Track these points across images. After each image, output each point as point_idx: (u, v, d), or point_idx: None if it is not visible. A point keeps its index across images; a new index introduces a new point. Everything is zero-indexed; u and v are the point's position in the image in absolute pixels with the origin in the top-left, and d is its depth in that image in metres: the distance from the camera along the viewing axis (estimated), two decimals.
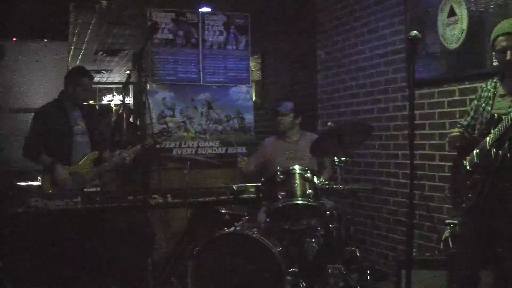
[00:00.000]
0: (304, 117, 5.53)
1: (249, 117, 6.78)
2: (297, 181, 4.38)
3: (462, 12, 4.50)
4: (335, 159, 4.51)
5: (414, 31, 3.08)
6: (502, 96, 3.46)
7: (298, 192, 4.35)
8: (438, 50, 4.75)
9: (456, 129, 3.62)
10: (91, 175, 4.79)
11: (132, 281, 4.59)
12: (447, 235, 4.26)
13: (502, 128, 3.23)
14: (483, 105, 3.52)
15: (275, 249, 4.12)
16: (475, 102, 3.67)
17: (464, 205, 3.52)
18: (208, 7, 6.89)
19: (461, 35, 4.51)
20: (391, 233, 5.44)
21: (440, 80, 4.76)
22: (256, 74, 8.40)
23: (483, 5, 4.33)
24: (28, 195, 4.10)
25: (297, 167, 4.46)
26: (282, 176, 4.41)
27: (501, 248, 3.47)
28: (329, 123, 4.94)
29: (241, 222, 4.43)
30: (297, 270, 4.12)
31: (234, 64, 6.72)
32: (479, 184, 3.39)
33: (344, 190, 4.55)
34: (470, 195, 3.45)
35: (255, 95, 8.08)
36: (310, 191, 4.36)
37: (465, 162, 3.53)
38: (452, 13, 4.61)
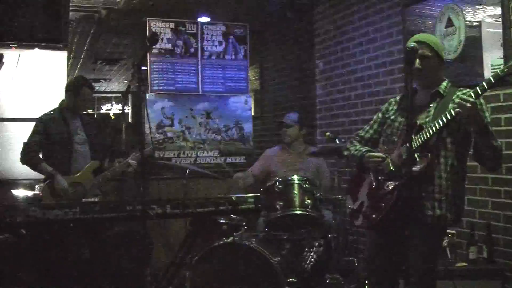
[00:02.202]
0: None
1: (248, 127, 6.78)
2: (295, 191, 4.38)
3: (460, 23, 4.52)
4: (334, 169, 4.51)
5: (412, 42, 3.09)
6: (416, 107, 3.40)
7: (297, 202, 4.35)
8: None
9: (377, 153, 3.46)
10: (92, 185, 4.79)
11: None
12: (445, 244, 4.26)
13: (425, 135, 3.16)
14: (393, 117, 3.46)
15: (274, 259, 4.12)
16: (380, 115, 3.60)
17: (374, 215, 3.34)
18: (207, 17, 6.92)
19: (459, 45, 4.53)
20: None
21: None
22: (254, 84, 8.41)
23: (480, 16, 4.36)
24: (27, 205, 4.09)
25: (295, 177, 4.46)
26: (280, 186, 4.41)
27: (410, 260, 3.25)
28: (328, 133, 4.96)
29: (239, 232, 4.42)
30: (295, 280, 4.12)
31: (233, 74, 6.73)
32: (393, 193, 3.23)
33: (343, 200, 4.55)
34: (383, 204, 3.29)
35: (254, 105, 8.09)
36: (309, 201, 4.36)
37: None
38: (450, 23, 4.63)
